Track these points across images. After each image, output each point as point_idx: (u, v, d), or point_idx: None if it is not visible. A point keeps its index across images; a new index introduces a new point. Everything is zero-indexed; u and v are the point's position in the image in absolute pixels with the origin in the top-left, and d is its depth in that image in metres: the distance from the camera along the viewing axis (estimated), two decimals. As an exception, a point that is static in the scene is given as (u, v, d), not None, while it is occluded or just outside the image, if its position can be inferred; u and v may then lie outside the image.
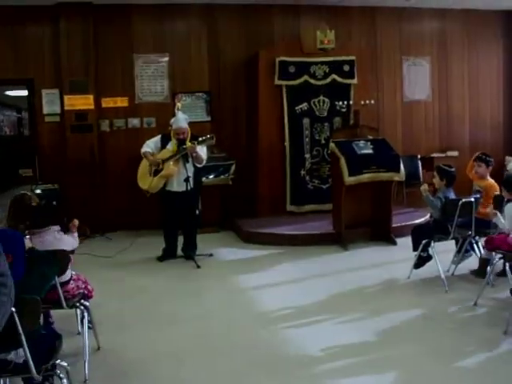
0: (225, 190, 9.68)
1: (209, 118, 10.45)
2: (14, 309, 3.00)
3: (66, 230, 4.93)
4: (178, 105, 8.06)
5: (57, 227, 4.77)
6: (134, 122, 10.28)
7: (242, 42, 10.53)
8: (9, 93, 15.94)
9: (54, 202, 5.02)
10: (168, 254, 8.07)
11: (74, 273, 4.89)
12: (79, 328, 5.22)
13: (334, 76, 9.93)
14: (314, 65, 9.88)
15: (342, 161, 8.10)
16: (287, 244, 8.55)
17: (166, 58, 10.32)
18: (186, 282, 7.06)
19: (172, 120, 7.92)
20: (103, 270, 7.65)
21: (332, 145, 8.39)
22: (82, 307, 4.66)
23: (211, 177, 9.39)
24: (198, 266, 7.55)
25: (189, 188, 7.62)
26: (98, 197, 10.01)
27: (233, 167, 9.61)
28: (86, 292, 4.90)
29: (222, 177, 9.55)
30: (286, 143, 9.91)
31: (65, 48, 9.82)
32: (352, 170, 8.12)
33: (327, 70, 9.92)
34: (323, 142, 10.02)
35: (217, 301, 6.28)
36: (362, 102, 9.14)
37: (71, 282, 4.75)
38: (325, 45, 9.67)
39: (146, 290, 6.72)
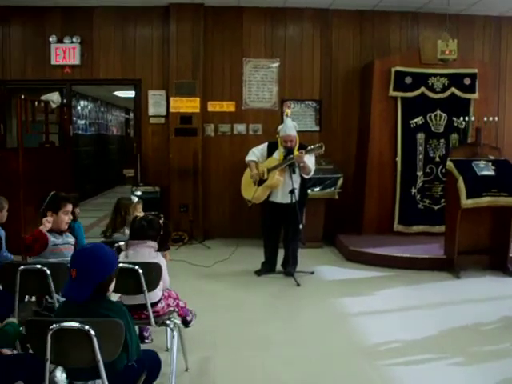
0: (330, 204, 9.17)
1: (317, 128, 10.00)
2: (92, 332, 2.65)
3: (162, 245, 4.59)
4: (288, 111, 7.64)
5: (154, 244, 4.42)
6: (240, 127, 9.98)
7: (356, 50, 10.05)
8: (117, 93, 16.08)
9: (162, 220, 4.60)
10: (267, 269, 7.66)
11: (164, 290, 4.54)
12: (168, 344, 4.89)
13: (454, 89, 9.26)
14: (432, 76, 9.24)
15: (460, 181, 7.43)
16: (393, 266, 7.95)
17: (277, 64, 9.95)
18: (283, 300, 6.61)
19: (280, 127, 7.52)
20: (199, 281, 7.34)
21: (450, 163, 7.73)
22: (172, 325, 4.28)
23: (317, 189, 8.92)
24: (298, 284, 7.09)
25: (293, 200, 7.17)
26: (198, 203, 9.76)
27: (340, 181, 9.08)
28: (177, 310, 4.53)
29: (329, 190, 9.03)
30: (398, 158, 9.31)
31: (174, 49, 9.65)
32: (470, 192, 7.44)
33: (446, 83, 9.26)
34: (437, 159, 9.35)
35: (315, 325, 5.77)
36: (485, 119, 8.44)
37: (161, 301, 4.39)
38: (446, 55, 8.98)
39: (240, 307, 6.32)
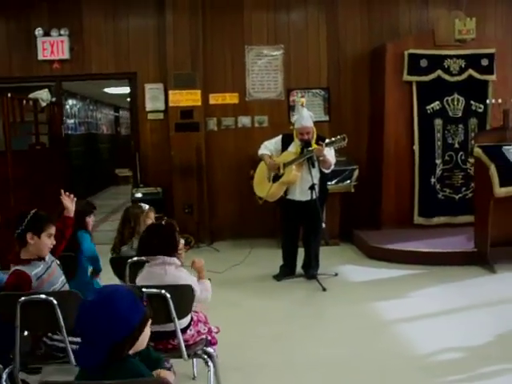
0: (346, 198, 8.57)
1: (327, 118, 9.36)
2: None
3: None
4: (302, 100, 7.03)
5: (171, 259, 3.72)
6: (245, 120, 9.33)
7: (364, 34, 9.38)
8: (107, 90, 15.38)
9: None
10: (286, 272, 7.05)
11: (193, 312, 3.88)
12: (194, 371, 4.27)
13: (471, 71, 8.66)
14: (448, 58, 8.63)
15: (493, 169, 6.84)
16: (419, 263, 7.38)
17: (281, 51, 9.31)
18: (313, 309, 6.01)
19: (295, 118, 6.93)
20: (212, 290, 6.67)
21: (478, 150, 7.13)
22: (206, 356, 3.64)
23: (332, 183, 8.30)
24: (324, 289, 6.46)
25: (314, 197, 6.57)
26: (204, 202, 9.11)
27: (356, 172, 8.49)
28: (209, 337, 3.86)
29: (344, 183, 8.43)
30: (415, 147, 8.71)
31: (171, 39, 8.99)
32: (503, 180, 6.86)
33: (463, 65, 8.66)
34: (457, 146, 8.79)
35: (356, 337, 5.16)
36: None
37: (190, 328, 3.74)
38: (463, 35, 8.46)
39: (268, 319, 5.69)
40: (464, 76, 8.69)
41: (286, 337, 5.20)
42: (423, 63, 8.61)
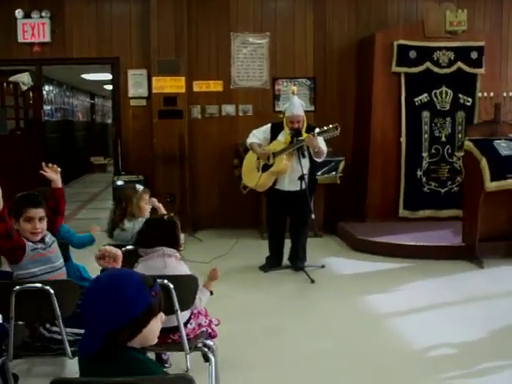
0: (331, 189, 8.45)
1: (312, 108, 9.18)
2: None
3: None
4: (294, 88, 6.85)
5: (172, 251, 3.59)
6: (229, 108, 9.15)
7: (351, 23, 9.24)
8: (85, 76, 15.07)
9: (172, 214, 3.81)
10: (273, 264, 6.89)
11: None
12: (188, 364, 4.12)
13: (460, 64, 8.58)
14: (437, 50, 8.54)
15: (484, 163, 6.75)
16: (407, 256, 7.29)
17: (267, 39, 9.14)
18: (302, 301, 5.88)
19: (285, 106, 6.76)
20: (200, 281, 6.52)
21: (469, 143, 7.04)
22: (206, 349, 3.49)
23: (318, 174, 8.15)
24: (312, 281, 6.34)
25: (303, 187, 6.43)
26: (186, 191, 8.93)
27: (342, 164, 8.37)
28: (209, 330, 3.71)
29: (330, 174, 8.29)
30: (402, 139, 8.62)
31: (155, 24, 8.74)
32: (495, 174, 6.78)
33: (452, 57, 8.58)
34: (444, 139, 8.71)
35: (347, 331, 5.05)
36: (505, 94, 7.81)
37: (191, 321, 3.59)
38: (454, 27, 8.37)
39: (258, 312, 5.54)
40: (453, 68, 8.61)
41: (276, 331, 5.05)
42: (412, 54, 8.51)
